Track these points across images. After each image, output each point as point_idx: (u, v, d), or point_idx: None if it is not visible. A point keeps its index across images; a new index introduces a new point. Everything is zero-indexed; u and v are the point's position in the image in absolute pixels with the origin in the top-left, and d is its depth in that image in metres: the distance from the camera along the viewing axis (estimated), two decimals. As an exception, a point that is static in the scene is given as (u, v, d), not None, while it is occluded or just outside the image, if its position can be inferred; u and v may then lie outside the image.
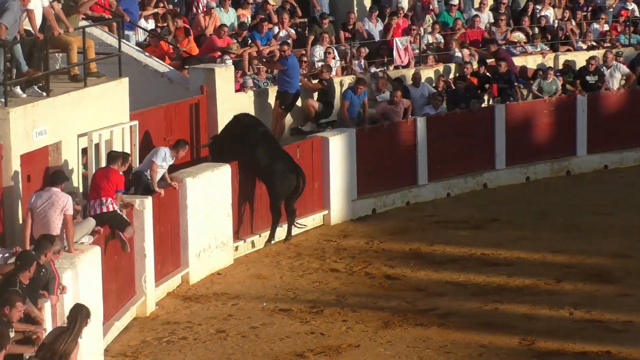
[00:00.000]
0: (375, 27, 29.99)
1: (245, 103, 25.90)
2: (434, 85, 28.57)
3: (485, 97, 28.55)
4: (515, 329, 19.06)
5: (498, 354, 18.12)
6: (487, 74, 29.03)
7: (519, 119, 28.25)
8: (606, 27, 32.61)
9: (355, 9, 31.05)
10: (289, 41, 27.57)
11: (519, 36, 31.33)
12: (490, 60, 29.53)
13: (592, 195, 26.57)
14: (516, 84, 28.58)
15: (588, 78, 29.41)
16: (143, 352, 18.16)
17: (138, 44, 26.83)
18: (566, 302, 20.27)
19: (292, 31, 28.87)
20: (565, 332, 18.94)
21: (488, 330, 19.02)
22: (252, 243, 23.35)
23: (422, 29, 30.28)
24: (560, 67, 30.50)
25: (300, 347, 18.36)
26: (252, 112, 25.74)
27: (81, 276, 16.36)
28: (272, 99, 26.48)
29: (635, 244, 23.09)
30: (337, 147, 24.92)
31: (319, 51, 28.11)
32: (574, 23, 32.02)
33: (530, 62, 30.42)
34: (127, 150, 20.92)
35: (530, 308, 20.01)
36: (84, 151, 20.25)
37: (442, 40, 30.65)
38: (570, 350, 18.19)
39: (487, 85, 28.61)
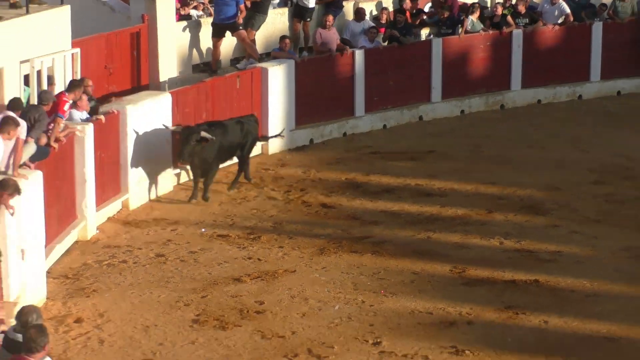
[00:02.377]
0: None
1: (182, 33, 26.13)
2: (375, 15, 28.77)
3: (422, 32, 28.78)
4: (446, 257, 19.41)
5: (429, 280, 18.44)
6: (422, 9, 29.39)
7: (455, 53, 28.40)
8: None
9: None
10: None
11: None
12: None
13: (525, 129, 26.81)
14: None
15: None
16: (84, 274, 18.41)
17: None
18: (497, 232, 20.67)
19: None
20: (495, 261, 19.33)
21: (420, 258, 19.32)
22: (192, 170, 23.56)
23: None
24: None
25: (238, 272, 18.61)
26: (188, 42, 26.21)
27: (24, 200, 16.44)
28: (205, 30, 26.61)
29: (566, 177, 23.44)
30: (276, 77, 25.05)
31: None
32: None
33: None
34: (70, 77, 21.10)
35: (462, 237, 20.38)
36: (25, 79, 20.33)
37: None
38: (499, 278, 18.56)
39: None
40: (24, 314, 12.46)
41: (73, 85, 20.00)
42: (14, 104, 17.79)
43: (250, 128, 22.66)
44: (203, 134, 21.18)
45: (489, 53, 28.93)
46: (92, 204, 20.19)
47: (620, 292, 18.04)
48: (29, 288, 16.66)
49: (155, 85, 24.10)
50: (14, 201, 15.72)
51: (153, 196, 22.12)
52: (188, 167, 22.65)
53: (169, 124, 21.93)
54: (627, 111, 27.99)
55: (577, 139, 26.01)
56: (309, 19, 27.84)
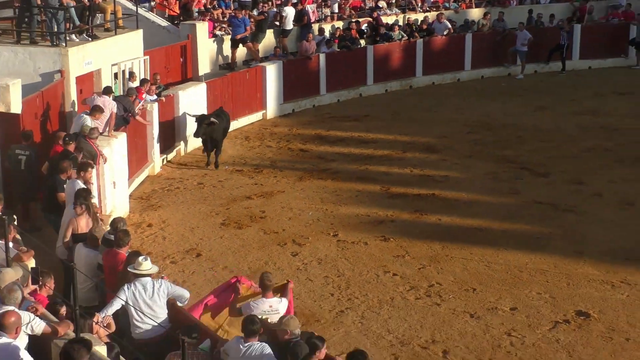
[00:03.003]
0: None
1: (212, 45, 25.87)
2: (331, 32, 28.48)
3: (362, 42, 28.47)
4: (377, 180, 19.25)
5: (367, 195, 18.35)
6: (362, 28, 29.09)
7: (381, 54, 28.07)
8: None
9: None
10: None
11: (383, 4, 31.20)
12: (363, 20, 29.62)
13: (425, 100, 26.68)
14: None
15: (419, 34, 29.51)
16: (152, 196, 18.24)
17: (149, 8, 26.42)
18: (408, 164, 20.46)
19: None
20: (408, 182, 19.17)
21: (362, 182, 19.22)
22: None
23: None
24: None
25: (249, 193, 18.45)
26: (215, 50, 26.01)
27: (115, 151, 16.41)
28: (227, 43, 26.34)
29: (450, 130, 23.24)
30: (272, 72, 24.66)
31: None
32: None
33: (389, 20, 30.31)
34: (142, 75, 21.03)
35: (387, 168, 20.18)
36: (115, 75, 20.23)
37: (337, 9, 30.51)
38: (410, 193, 18.47)
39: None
40: (115, 222, 12.34)
41: (143, 81, 19.96)
42: (107, 89, 17.61)
43: (228, 117, 21.26)
44: (212, 119, 19.73)
45: (402, 54, 28.58)
46: (157, 152, 19.88)
47: (485, 200, 18.01)
48: (118, 206, 16.42)
49: (196, 78, 23.82)
50: (108, 152, 15.59)
51: (198, 146, 21.65)
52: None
53: (191, 112, 20.61)
54: (487, 88, 27.91)
55: (457, 106, 25.95)
56: (286, 36, 27.49)
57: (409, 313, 13.21)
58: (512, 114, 24.78)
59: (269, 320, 10.25)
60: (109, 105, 16.85)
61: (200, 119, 19.80)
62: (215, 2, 27.95)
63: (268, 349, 9.04)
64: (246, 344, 9.06)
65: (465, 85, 28.89)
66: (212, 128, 19.79)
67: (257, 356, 8.99)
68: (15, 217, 12.30)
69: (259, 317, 9.90)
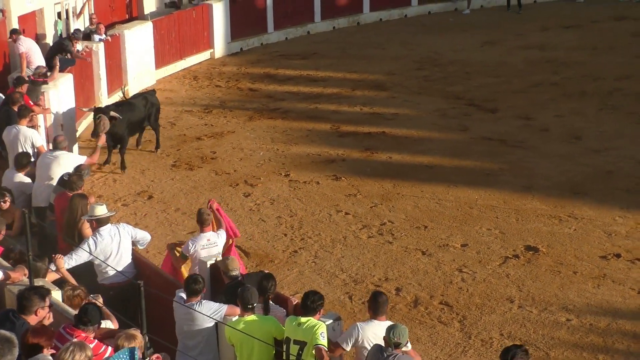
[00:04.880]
0: None
1: None
2: None
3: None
4: (328, 119, 19.22)
5: (318, 134, 18.33)
6: None
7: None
8: None
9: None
10: None
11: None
12: None
13: (373, 37, 26.40)
14: None
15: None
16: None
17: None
18: (358, 102, 20.39)
19: None
20: (358, 120, 19.16)
21: (311, 120, 19.18)
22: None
23: None
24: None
25: (199, 133, 18.33)
26: None
27: (62, 92, 16.16)
28: None
29: (399, 66, 23.15)
30: (219, 10, 24.17)
31: None
32: None
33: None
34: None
35: (337, 107, 20.12)
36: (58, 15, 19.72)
37: None
38: (360, 131, 18.47)
39: None
40: (81, 168, 12.19)
41: (83, 34, 19.51)
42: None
43: (154, 100, 17.51)
44: (112, 113, 15.71)
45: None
46: (105, 93, 19.55)
47: (435, 137, 18.09)
48: (66, 149, 16.26)
49: (141, 17, 23.29)
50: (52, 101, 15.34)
51: (147, 85, 21.30)
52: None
53: (84, 108, 17.07)
54: (434, 24, 27.75)
55: (405, 42, 25.74)
56: None
57: (362, 252, 13.32)
58: (459, 50, 24.71)
59: (209, 255, 10.40)
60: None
61: (97, 114, 15.82)
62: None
63: (210, 305, 8.99)
64: (187, 304, 8.98)
65: (412, 21, 28.62)
66: (112, 124, 15.88)
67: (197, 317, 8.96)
68: None
69: (202, 254, 10.23)
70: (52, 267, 9.63)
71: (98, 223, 10.30)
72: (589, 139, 17.61)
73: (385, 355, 7.97)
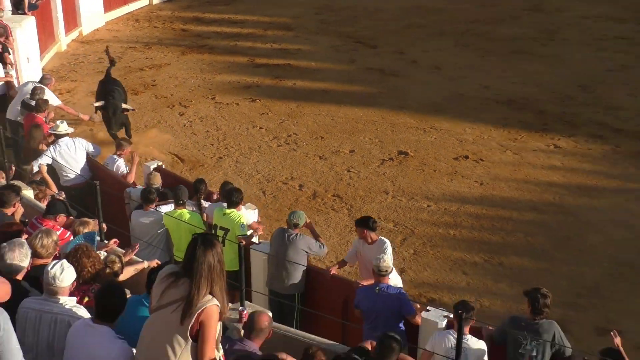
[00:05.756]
0: None
1: None
2: None
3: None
4: (245, 54, 18.86)
5: (237, 65, 18.01)
6: None
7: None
8: None
9: None
10: None
11: None
12: None
13: None
14: None
15: None
16: (61, 70, 17.32)
17: None
18: (269, 40, 20.03)
19: None
20: (269, 55, 18.90)
21: (232, 55, 18.84)
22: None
23: None
24: None
25: (141, 65, 17.88)
26: None
27: (25, 31, 15.35)
28: None
29: (301, 11, 22.66)
30: None
31: None
32: None
33: None
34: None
35: (252, 44, 19.71)
36: None
37: None
38: (271, 63, 18.24)
39: None
40: (44, 103, 11.57)
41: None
42: None
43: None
44: (124, 106, 12.75)
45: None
46: (62, 32, 18.84)
47: (329, 68, 17.96)
48: (32, 78, 15.38)
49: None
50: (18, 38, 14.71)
51: (97, 27, 20.64)
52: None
53: (95, 103, 13.02)
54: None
55: None
56: None
57: (273, 157, 13.44)
58: None
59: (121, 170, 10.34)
60: None
61: (112, 109, 12.63)
62: None
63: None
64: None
65: None
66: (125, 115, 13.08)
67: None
68: None
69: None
70: (36, 167, 9.64)
71: (57, 137, 10.26)
72: (447, 69, 17.80)
73: (287, 235, 8.23)
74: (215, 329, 4.42)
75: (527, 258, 10.59)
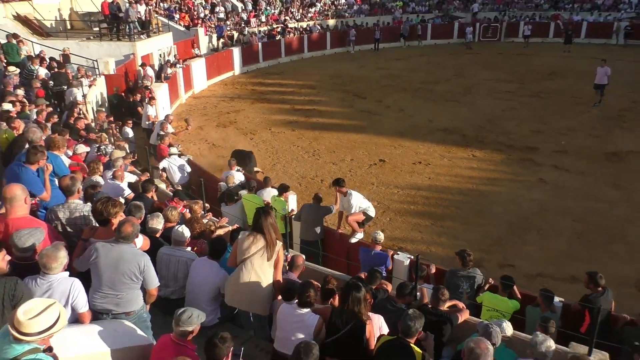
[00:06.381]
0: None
1: (206, 38, 23.35)
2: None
3: None
4: (288, 102, 18.17)
5: (286, 110, 17.42)
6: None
7: None
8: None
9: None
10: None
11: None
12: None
13: (309, 65, 25.08)
14: None
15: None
16: None
17: (175, 20, 23.48)
18: (302, 94, 19.32)
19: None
20: (302, 103, 18.14)
21: (281, 104, 18.11)
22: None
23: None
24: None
25: (227, 110, 17.26)
26: (206, 41, 23.20)
27: (160, 95, 14.83)
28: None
29: (320, 78, 21.89)
30: (237, 54, 22.48)
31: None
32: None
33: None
34: (173, 52, 19.03)
35: (292, 97, 18.98)
36: (160, 55, 18.07)
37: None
38: (303, 108, 17.46)
39: None
40: None
41: (171, 63, 17.65)
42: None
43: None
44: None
45: None
46: (183, 91, 18.23)
47: (338, 110, 17.24)
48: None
49: (197, 56, 21.83)
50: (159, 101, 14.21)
51: (203, 88, 20.05)
52: None
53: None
54: (338, 57, 26.57)
55: (324, 66, 24.47)
56: None
57: (305, 164, 12.74)
58: (347, 70, 23.26)
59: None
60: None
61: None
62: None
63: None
64: None
65: (328, 57, 27.08)
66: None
67: None
68: None
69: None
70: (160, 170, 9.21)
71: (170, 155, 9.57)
72: (407, 110, 17.20)
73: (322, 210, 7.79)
74: (282, 260, 4.71)
75: (457, 222, 10.23)
